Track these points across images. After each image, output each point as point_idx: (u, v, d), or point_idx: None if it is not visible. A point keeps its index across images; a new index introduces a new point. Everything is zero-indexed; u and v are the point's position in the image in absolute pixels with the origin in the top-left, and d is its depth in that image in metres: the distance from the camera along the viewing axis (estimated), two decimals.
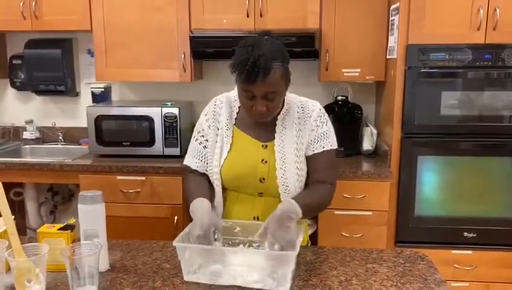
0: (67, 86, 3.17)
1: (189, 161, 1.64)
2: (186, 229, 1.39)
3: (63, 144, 3.25)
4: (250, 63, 1.35)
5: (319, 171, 1.57)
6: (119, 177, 2.69)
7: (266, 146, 1.55)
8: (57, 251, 1.24)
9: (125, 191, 2.69)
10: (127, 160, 2.78)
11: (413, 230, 2.60)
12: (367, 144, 2.90)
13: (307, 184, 1.59)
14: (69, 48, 3.19)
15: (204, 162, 1.60)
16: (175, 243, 1.27)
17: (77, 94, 3.30)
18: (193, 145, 1.64)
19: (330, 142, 1.58)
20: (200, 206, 1.44)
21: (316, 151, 1.56)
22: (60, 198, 3.37)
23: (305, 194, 1.53)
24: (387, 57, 2.74)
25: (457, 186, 2.56)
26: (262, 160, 1.54)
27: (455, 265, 2.60)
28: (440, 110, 2.48)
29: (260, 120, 1.50)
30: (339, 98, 2.91)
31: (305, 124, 1.56)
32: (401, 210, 2.60)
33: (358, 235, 2.61)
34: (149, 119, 2.82)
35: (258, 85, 1.38)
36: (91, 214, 1.33)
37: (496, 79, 2.45)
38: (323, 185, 1.56)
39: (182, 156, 2.85)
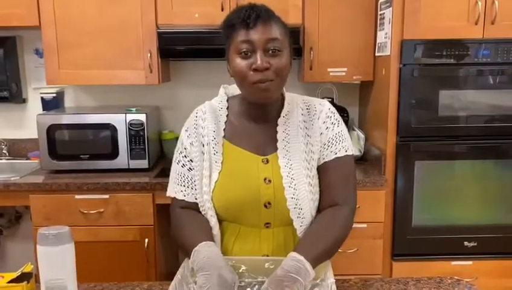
0: (12, 92, 2.75)
1: (174, 190, 1.29)
2: (179, 275, 1.08)
3: (7, 159, 2.81)
4: (248, 7, 1.18)
5: (332, 188, 1.24)
6: (77, 197, 2.31)
7: (268, 160, 1.24)
8: None
9: (85, 212, 2.31)
10: (87, 176, 2.40)
11: (411, 242, 2.40)
12: (355, 150, 2.67)
13: (318, 209, 1.26)
14: (12, 48, 2.78)
15: (192, 188, 1.26)
16: None
17: (24, 101, 2.88)
18: (175, 170, 1.29)
19: (344, 146, 1.26)
20: (211, 257, 1.08)
21: (326, 159, 1.25)
22: (5, 221, 2.91)
23: (317, 236, 1.17)
24: (376, 54, 2.53)
25: (457, 192, 2.38)
26: (265, 179, 1.21)
27: (455, 277, 2.41)
28: (438, 110, 2.29)
29: (263, 91, 1.16)
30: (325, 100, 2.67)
31: (313, 127, 1.26)
32: (398, 221, 2.38)
33: (352, 250, 2.37)
34: (111, 128, 2.45)
35: (258, 29, 1.14)
36: (56, 259, 0.99)
37: (497, 76, 2.29)
38: (340, 210, 1.22)
39: (150, 169, 2.53)
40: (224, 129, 1.28)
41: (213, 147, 1.25)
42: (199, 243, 1.11)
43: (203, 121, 1.28)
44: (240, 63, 1.17)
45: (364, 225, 2.37)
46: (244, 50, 1.16)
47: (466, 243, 2.40)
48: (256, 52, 1.15)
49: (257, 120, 1.28)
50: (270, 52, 1.16)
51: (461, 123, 2.31)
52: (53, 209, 2.31)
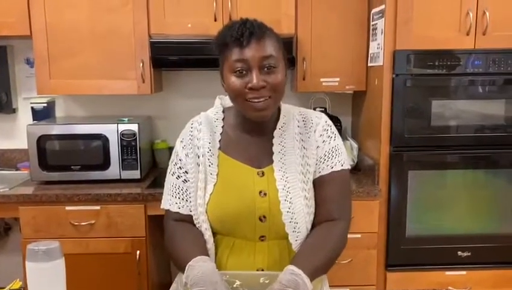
0: (2, 102, 2.73)
1: (168, 202, 1.27)
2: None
3: None
4: (240, 23, 1.16)
5: (329, 202, 1.24)
6: (68, 208, 2.27)
7: (263, 173, 1.22)
8: None
9: (76, 223, 2.28)
10: (78, 187, 2.37)
11: (405, 252, 2.38)
12: (348, 159, 2.67)
13: (313, 222, 1.25)
14: (2, 57, 2.74)
15: (187, 200, 1.24)
16: None
17: (14, 111, 2.84)
18: (170, 182, 1.28)
19: (340, 160, 1.26)
20: (205, 272, 1.06)
21: (323, 173, 1.24)
22: None
23: (314, 250, 1.16)
24: (369, 64, 2.53)
25: (450, 202, 2.37)
26: (261, 192, 1.20)
27: (449, 288, 2.40)
28: (430, 120, 2.30)
29: (259, 109, 1.16)
30: (318, 109, 2.66)
31: (309, 140, 1.26)
32: (392, 231, 2.37)
33: (346, 261, 2.35)
34: (103, 138, 2.42)
35: (252, 47, 1.13)
36: (46, 275, 0.97)
37: (488, 86, 2.30)
38: (337, 225, 1.22)
39: (142, 179, 2.50)
40: (219, 141, 1.26)
41: (208, 159, 1.23)
42: (193, 258, 1.09)
43: (198, 132, 1.26)
44: (235, 81, 1.15)
45: (358, 235, 2.35)
46: (239, 69, 1.15)
47: (460, 252, 2.39)
48: (251, 70, 1.14)
49: (253, 133, 1.27)
50: (266, 69, 1.15)
51: (453, 133, 2.31)
52: (43, 221, 2.26)
